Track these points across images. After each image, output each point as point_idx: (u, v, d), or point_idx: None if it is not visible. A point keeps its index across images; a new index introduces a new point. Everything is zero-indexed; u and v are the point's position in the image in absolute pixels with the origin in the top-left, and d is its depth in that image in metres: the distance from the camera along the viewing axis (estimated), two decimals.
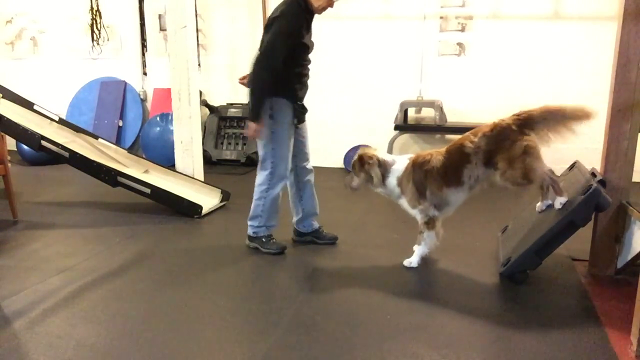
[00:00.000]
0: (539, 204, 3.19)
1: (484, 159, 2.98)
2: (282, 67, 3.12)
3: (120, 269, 3.24)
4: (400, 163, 3.21)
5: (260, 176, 3.40)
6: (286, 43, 3.10)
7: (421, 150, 3.31)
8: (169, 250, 3.56)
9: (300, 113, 3.34)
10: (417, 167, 3.13)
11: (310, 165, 3.58)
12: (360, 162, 3.24)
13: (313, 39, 3.29)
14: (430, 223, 3.17)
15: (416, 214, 3.20)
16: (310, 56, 3.31)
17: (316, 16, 3.25)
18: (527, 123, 2.93)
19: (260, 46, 3.17)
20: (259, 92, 3.19)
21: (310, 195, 3.59)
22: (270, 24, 3.15)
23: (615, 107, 2.94)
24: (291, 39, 3.11)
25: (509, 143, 2.91)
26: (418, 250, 3.25)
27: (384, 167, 3.21)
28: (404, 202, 3.23)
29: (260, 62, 3.13)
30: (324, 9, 3.20)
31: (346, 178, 3.38)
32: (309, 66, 3.34)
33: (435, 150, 3.17)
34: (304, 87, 3.36)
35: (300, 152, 3.50)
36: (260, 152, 3.37)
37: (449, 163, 3.05)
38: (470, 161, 3.00)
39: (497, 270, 3.15)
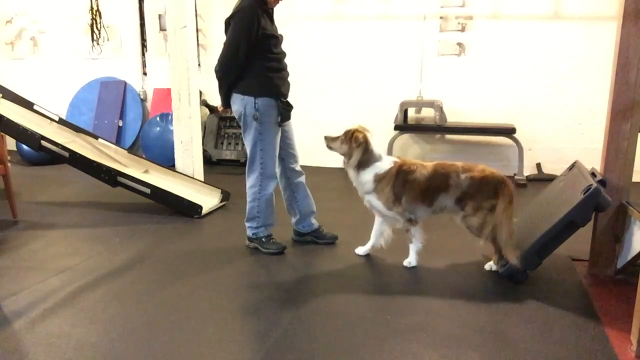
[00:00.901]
0: (488, 264, 3.22)
1: (459, 195, 3.08)
2: (245, 61, 3.17)
3: (120, 269, 3.24)
4: (385, 162, 3.20)
5: (251, 178, 3.41)
6: (246, 37, 3.12)
7: (404, 157, 3.30)
8: (169, 251, 3.56)
9: (285, 111, 3.32)
10: (401, 174, 3.15)
11: (299, 167, 3.58)
12: (352, 136, 3.17)
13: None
14: (411, 220, 3.22)
15: (393, 215, 3.23)
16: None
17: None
18: (503, 184, 3.06)
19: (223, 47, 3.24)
20: (225, 88, 3.31)
21: (304, 195, 3.59)
22: (227, 25, 3.21)
23: (615, 107, 2.94)
24: (250, 31, 3.12)
25: (485, 195, 3.04)
26: (412, 248, 3.27)
27: (368, 157, 3.17)
28: (372, 199, 3.23)
29: (223, 62, 3.23)
30: (277, 0, 3.25)
31: (330, 135, 3.27)
32: (285, 60, 3.36)
33: (421, 163, 3.20)
34: (285, 82, 3.36)
35: (288, 155, 3.50)
36: (248, 154, 3.38)
37: (430, 184, 3.11)
38: (447, 192, 3.10)
39: (497, 270, 3.15)
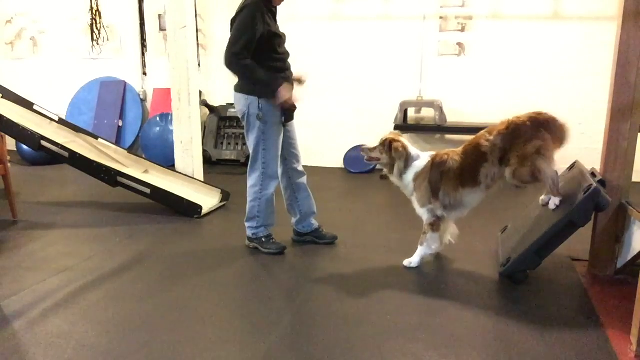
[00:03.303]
0: (543, 197, 3.18)
1: (499, 156, 2.99)
2: (249, 56, 3.14)
3: (120, 269, 3.24)
4: (422, 160, 3.20)
5: (252, 177, 3.41)
6: (251, 30, 3.10)
7: (440, 150, 3.27)
8: (169, 251, 3.56)
9: (288, 111, 3.33)
10: (435, 167, 3.13)
11: (301, 167, 3.58)
12: (391, 145, 3.20)
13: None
14: (434, 225, 3.18)
15: (423, 213, 3.20)
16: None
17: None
18: (546, 124, 2.94)
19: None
20: (252, 77, 3.19)
21: (306, 196, 3.59)
22: (233, 23, 3.20)
23: (615, 107, 2.94)
24: (255, 25, 3.10)
25: (523, 141, 2.92)
26: (419, 251, 3.25)
27: (407, 161, 3.20)
28: (414, 199, 3.24)
29: (230, 58, 3.15)
30: None
31: (367, 146, 3.30)
32: (288, 60, 3.36)
33: (451, 150, 3.16)
34: (289, 83, 3.35)
35: (290, 154, 3.50)
36: (251, 153, 3.38)
37: (466, 163, 3.05)
38: (486, 160, 3.01)
39: (497, 270, 3.15)
